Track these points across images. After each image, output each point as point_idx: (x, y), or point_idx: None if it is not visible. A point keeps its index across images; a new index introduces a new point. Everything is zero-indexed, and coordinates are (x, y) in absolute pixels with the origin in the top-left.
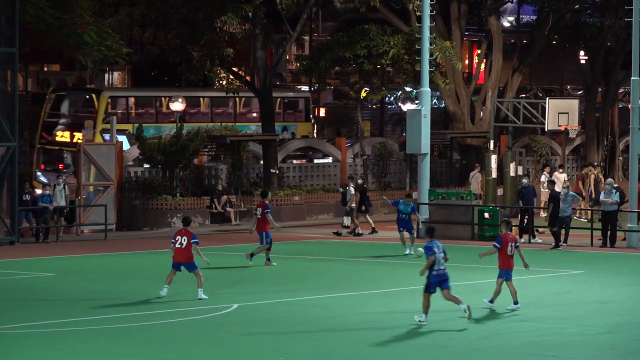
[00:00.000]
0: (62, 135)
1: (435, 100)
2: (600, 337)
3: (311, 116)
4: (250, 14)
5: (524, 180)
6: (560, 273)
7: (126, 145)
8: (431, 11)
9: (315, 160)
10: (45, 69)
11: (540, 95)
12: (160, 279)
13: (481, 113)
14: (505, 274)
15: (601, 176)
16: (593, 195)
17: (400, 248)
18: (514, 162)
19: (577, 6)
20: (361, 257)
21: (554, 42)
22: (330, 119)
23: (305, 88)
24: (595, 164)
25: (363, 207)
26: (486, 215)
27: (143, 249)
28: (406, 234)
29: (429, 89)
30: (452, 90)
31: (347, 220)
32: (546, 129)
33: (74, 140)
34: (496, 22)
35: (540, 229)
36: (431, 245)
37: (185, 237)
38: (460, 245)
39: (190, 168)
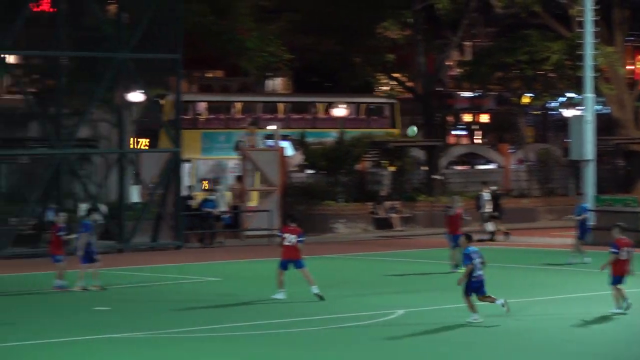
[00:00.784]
0: None
1: (599, 106)
2: None
3: (397, 123)
4: (410, 19)
5: None
6: None
7: (289, 151)
8: (593, 16)
9: (478, 167)
10: (209, 75)
11: None
12: (323, 284)
13: None
14: (618, 280)
15: None
16: None
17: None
18: None
19: None
20: (516, 263)
21: None
22: (493, 125)
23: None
24: None
25: (496, 213)
26: None
27: (306, 254)
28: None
29: (592, 95)
30: (616, 96)
31: (490, 226)
32: None
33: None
34: None
35: None
36: (469, 253)
37: (294, 235)
38: None
39: (353, 173)
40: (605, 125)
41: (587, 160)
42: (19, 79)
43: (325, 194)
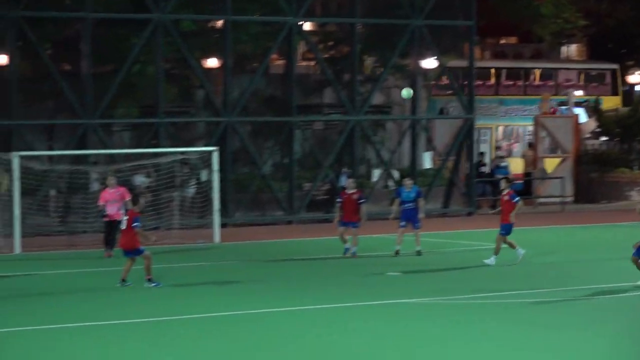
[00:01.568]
0: None
1: None
2: None
3: (618, 89)
4: None
5: None
6: None
7: (583, 118)
8: None
9: None
10: (502, 42)
11: None
12: (615, 252)
13: None
14: None
15: None
16: None
17: None
18: None
19: None
20: None
21: None
22: None
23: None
24: None
25: None
26: None
27: (599, 222)
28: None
29: None
30: None
31: None
32: None
33: None
34: None
35: None
36: None
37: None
38: None
39: None
40: None
41: None
42: (314, 45)
43: (619, 162)
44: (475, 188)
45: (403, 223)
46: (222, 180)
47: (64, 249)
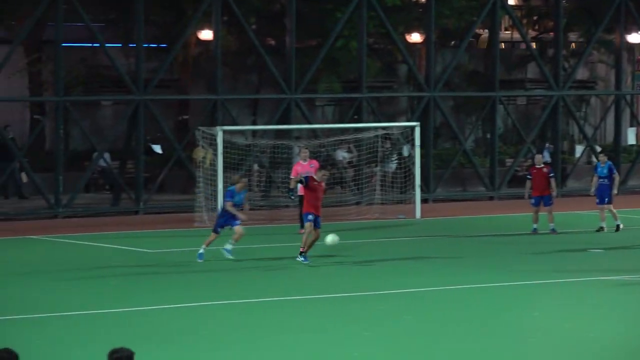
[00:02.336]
0: None
1: None
2: None
3: None
4: None
5: None
6: None
7: None
8: None
9: None
10: None
11: None
12: None
13: None
14: None
15: None
16: None
17: None
18: None
19: None
20: None
21: None
22: None
23: None
24: None
25: None
26: None
27: None
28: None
29: None
30: None
31: None
32: None
33: None
34: None
35: None
36: None
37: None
38: None
39: None
40: None
41: None
42: (518, 20)
43: None
44: None
45: (598, 200)
46: (424, 156)
47: (266, 224)
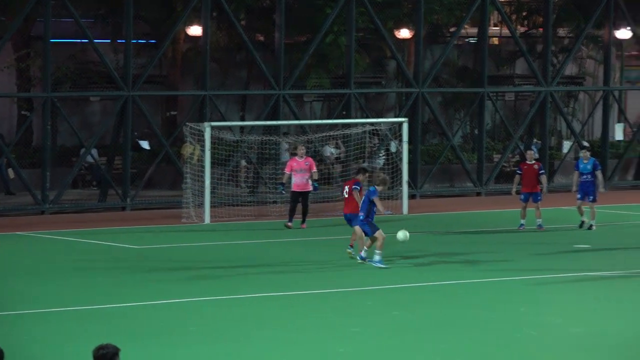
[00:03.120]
0: None
1: None
2: None
3: None
4: None
5: None
6: None
7: None
8: None
9: None
10: None
11: None
12: None
13: None
14: None
15: None
16: None
17: None
18: None
19: None
20: None
21: None
22: None
23: None
24: None
25: None
26: None
27: None
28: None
29: None
30: None
31: None
32: None
33: None
34: None
35: None
36: None
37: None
38: None
39: None
40: None
41: None
42: (508, 16)
43: None
44: None
45: (579, 196)
46: (412, 152)
47: (254, 220)
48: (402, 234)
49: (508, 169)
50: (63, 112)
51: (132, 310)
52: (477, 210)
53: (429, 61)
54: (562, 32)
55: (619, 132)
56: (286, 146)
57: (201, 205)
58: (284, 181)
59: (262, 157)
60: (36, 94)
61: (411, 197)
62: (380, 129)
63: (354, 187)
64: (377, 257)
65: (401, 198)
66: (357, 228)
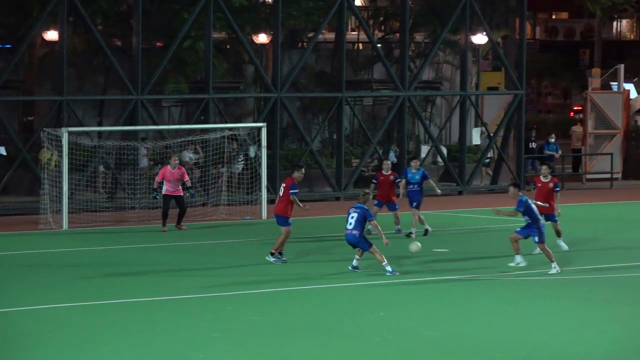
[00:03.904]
0: None
1: None
2: None
3: None
4: None
5: None
6: None
7: (633, 94)
8: None
9: None
10: (554, 17)
11: None
12: None
13: None
14: None
15: None
16: None
17: None
18: None
19: None
20: None
21: None
22: None
23: None
24: None
25: None
26: None
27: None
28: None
29: None
30: None
31: None
32: None
33: None
34: None
35: None
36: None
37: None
38: None
39: None
40: None
41: None
42: (365, 21)
43: None
44: (524, 165)
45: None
46: (271, 157)
47: (112, 225)
48: (414, 246)
49: (367, 174)
50: None
51: None
52: (335, 215)
53: (287, 66)
54: (419, 37)
55: (476, 137)
56: (144, 151)
57: (59, 211)
58: (155, 187)
59: (120, 163)
60: None
61: (270, 202)
62: (239, 134)
63: (291, 191)
64: (388, 268)
65: (260, 203)
66: (285, 229)
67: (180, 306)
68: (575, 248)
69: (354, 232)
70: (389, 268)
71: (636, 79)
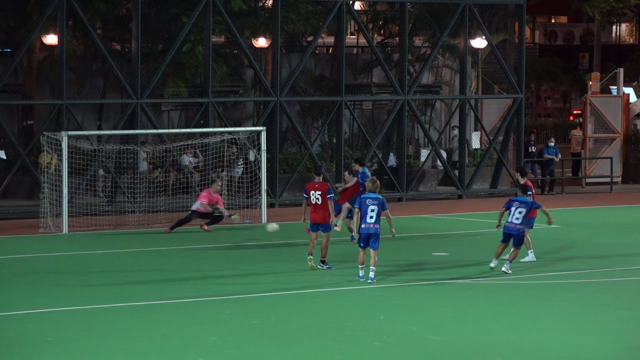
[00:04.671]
0: None
1: None
2: None
3: None
4: None
5: None
6: None
7: (633, 98)
8: None
9: None
10: (553, 21)
11: None
12: None
13: None
14: None
15: None
16: None
17: None
18: None
19: None
20: None
21: None
22: None
23: None
24: None
25: None
26: None
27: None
28: None
29: None
30: None
31: None
32: None
33: None
34: None
35: None
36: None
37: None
38: None
39: None
40: None
41: None
42: (364, 25)
43: None
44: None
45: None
46: (270, 160)
47: (112, 229)
48: (271, 226)
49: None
50: None
51: None
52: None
53: (286, 70)
54: (418, 41)
55: (475, 141)
56: (144, 155)
57: (59, 215)
58: (212, 210)
59: (119, 167)
60: None
61: (270, 205)
62: (238, 138)
63: (329, 196)
64: (372, 274)
65: (260, 207)
66: (325, 234)
67: (179, 310)
68: (573, 252)
69: (376, 225)
70: (372, 275)
71: (635, 82)
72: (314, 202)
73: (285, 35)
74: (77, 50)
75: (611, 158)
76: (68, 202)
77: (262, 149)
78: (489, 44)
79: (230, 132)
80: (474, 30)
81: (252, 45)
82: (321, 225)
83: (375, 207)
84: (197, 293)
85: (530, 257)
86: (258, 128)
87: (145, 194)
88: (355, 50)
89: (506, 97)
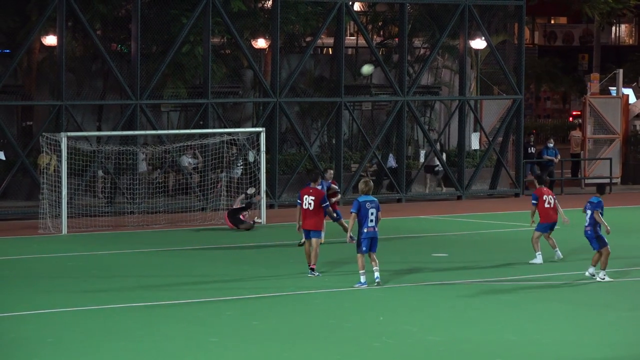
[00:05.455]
0: None
1: None
2: None
3: None
4: None
5: None
6: None
7: (632, 99)
8: None
9: None
10: (552, 22)
11: None
12: None
13: None
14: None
15: None
16: None
17: None
18: None
19: None
20: None
21: None
22: None
23: None
24: None
25: None
26: None
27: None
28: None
29: None
30: None
31: None
32: None
33: None
34: None
35: None
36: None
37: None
38: None
39: None
40: None
41: None
42: (364, 26)
43: None
44: (524, 169)
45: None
46: (269, 161)
47: (111, 230)
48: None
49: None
50: None
51: None
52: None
53: (285, 71)
54: (417, 42)
55: (474, 141)
56: (143, 156)
57: (58, 215)
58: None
59: (119, 168)
60: None
61: (269, 206)
62: (238, 139)
63: (323, 205)
64: (362, 278)
65: (259, 207)
66: (315, 241)
67: (180, 311)
68: (574, 253)
69: (376, 228)
70: (378, 274)
71: (635, 83)
72: (305, 207)
73: (284, 36)
74: (77, 51)
75: (610, 159)
76: (67, 203)
77: (262, 149)
78: (489, 44)
79: (229, 133)
80: (474, 31)
81: (251, 46)
82: (312, 231)
83: (374, 210)
84: (198, 294)
85: (538, 259)
86: (257, 129)
87: (144, 194)
88: (350, 51)
89: (505, 98)
